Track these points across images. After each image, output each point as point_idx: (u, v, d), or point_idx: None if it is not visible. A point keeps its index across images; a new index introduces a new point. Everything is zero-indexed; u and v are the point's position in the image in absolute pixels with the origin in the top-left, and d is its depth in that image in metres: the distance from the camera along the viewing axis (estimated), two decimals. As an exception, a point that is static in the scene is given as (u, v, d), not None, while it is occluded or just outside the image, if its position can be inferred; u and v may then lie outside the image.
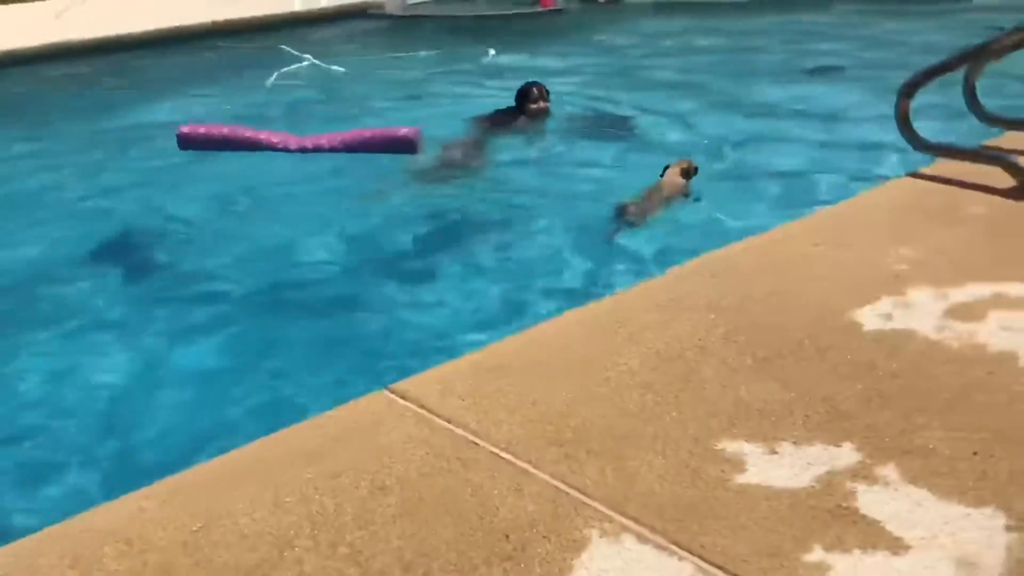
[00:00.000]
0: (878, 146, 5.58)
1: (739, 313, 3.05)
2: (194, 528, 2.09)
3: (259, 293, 4.37)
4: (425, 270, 4.63)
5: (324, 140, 5.68)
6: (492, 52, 8.49)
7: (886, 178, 4.55)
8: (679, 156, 5.64)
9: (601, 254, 4.68)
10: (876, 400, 2.55)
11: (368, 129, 5.79)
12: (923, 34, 8.70)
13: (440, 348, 3.67)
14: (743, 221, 4.75)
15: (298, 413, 2.82)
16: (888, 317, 3.00)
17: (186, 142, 5.75)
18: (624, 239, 4.81)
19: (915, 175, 4.22)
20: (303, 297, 4.37)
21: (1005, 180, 3.98)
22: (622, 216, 5.13)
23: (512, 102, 6.81)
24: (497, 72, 8.14)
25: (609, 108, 7.01)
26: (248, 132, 5.70)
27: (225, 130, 5.77)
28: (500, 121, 6.75)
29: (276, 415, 3.19)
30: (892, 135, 5.35)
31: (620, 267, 4.55)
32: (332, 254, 4.75)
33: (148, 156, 6.33)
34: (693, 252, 3.61)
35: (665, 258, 4.30)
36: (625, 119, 6.71)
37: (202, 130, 5.76)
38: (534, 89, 6.81)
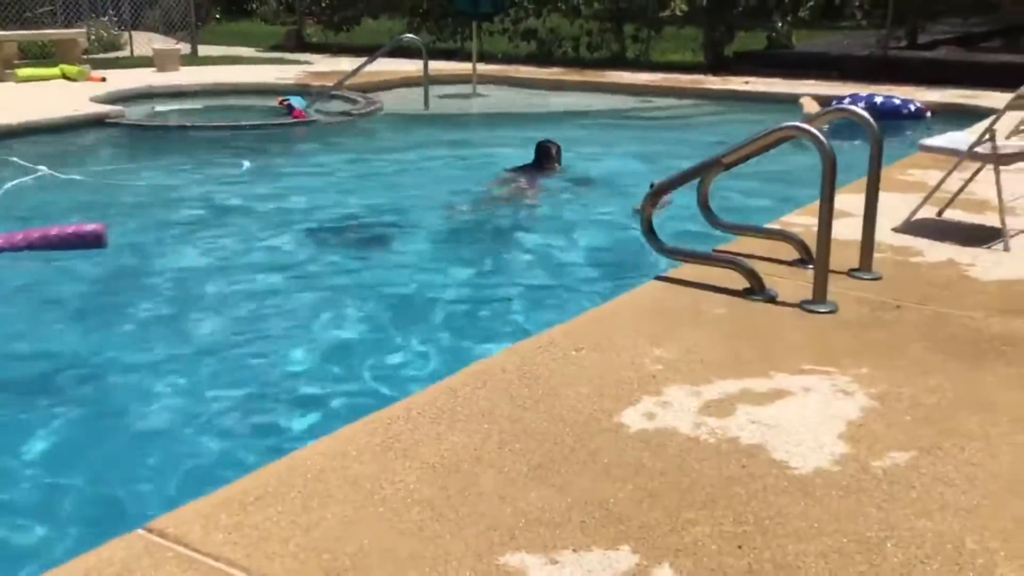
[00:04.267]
0: (626, 252, 5.90)
1: (511, 422, 3.07)
2: None
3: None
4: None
5: (17, 237, 5.68)
6: (246, 163, 8.32)
7: (635, 283, 4.81)
8: None
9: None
10: (647, 500, 2.62)
11: (55, 226, 5.83)
12: (662, 143, 9.36)
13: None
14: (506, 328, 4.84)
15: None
16: (650, 416, 3.12)
17: None
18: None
19: (661, 279, 4.48)
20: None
21: (739, 281, 4.31)
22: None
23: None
24: (252, 181, 7.98)
25: (360, 214, 7.02)
26: None
27: None
28: (526, 172, 7.91)
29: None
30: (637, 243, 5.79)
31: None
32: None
33: None
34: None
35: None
36: (371, 225, 6.74)
37: None
38: (552, 149, 8.02)
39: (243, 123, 10.11)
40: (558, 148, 8.12)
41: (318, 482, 2.69)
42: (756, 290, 4.23)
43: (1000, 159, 4.92)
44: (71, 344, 4.63)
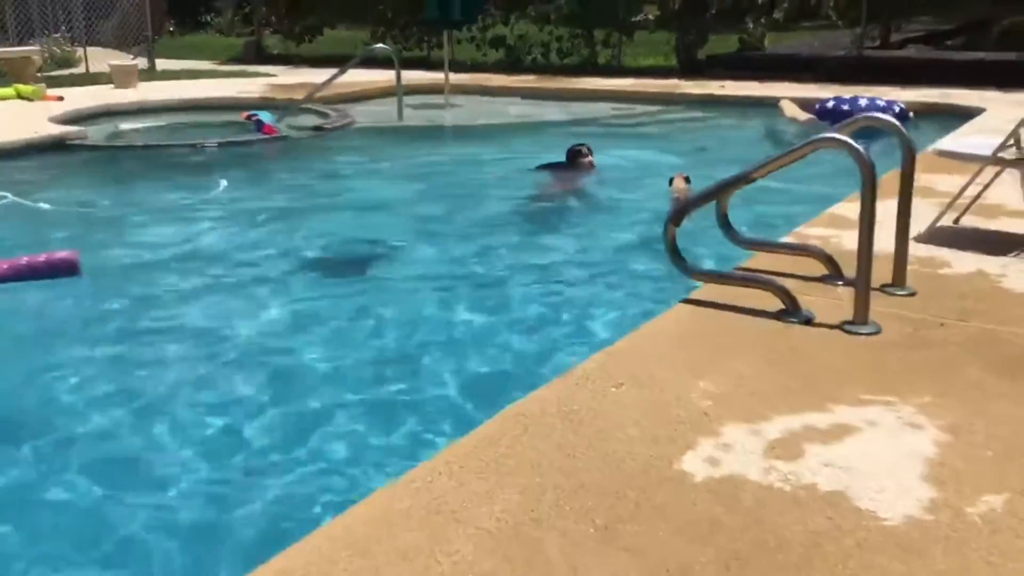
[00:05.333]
0: (642, 276, 5.64)
1: (564, 474, 2.80)
2: None
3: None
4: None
5: None
6: (223, 183, 7.97)
7: (654, 301, 4.59)
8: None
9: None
10: (734, 564, 2.37)
11: (26, 256, 5.53)
12: (647, 150, 9.13)
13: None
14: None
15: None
16: (713, 462, 2.87)
17: None
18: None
19: (688, 302, 4.24)
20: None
21: (769, 301, 4.08)
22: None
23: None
24: (230, 201, 7.63)
25: (350, 233, 6.72)
26: None
27: None
28: (562, 168, 8.29)
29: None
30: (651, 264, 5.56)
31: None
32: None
33: None
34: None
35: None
36: (365, 245, 6.45)
37: None
38: (584, 149, 8.34)
39: (215, 141, 9.73)
40: (589, 148, 8.39)
41: (364, 558, 2.41)
42: (791, 311, 4.01)
43: (1026, 164, 4.75)
44: (50, 379, 4.29)
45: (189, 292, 5.53)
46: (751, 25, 14.01)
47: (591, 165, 8.34)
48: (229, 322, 5.04)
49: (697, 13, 14.00)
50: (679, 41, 14.50)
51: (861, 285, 3.86)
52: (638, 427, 3.09)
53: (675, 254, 4.23)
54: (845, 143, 3.74)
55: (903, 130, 4.19)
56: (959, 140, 5.30)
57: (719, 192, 4.13)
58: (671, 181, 7.78)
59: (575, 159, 8.35)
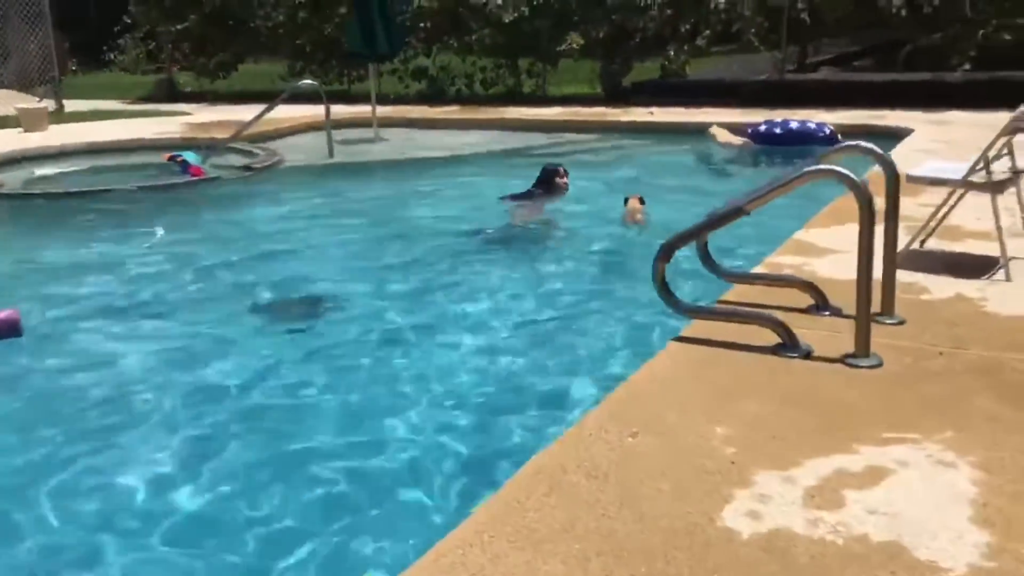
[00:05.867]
0: (599, 310, 5.53)
1: (603, 537, 2.63)
2: None
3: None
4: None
5: None
6: (160, 231, 7.59)
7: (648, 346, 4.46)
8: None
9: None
10: (811, 631, 2.23)
11: None
12: (582, 180, 9.03)
13: None
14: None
15: None
16: (755, 516, 2.73)
17: None
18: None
19: (681, 339, 4.13)
20: None
21: (761, 336, 3.99)
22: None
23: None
24: (168, 248, 7.26)
25: (295, 277, 6.46)
26: None
27: None
28: (540, 193, 8.16)
29: None
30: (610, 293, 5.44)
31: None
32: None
33: None
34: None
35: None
36: (310, 288, 6.20)
37: None
38: (561, 170, 8.24)
39: (141, 184, 9.31)
40: (565, 169, 8.32)
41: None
42: (790, 346, 3.92)
43: (996, 186, 4.78)
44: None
45: (122, 345, 5.24)
46: (672, 53, 14.13)
47: (566, 187, 8.23)
48: (166, 374, 4.79)
49: (621, 42, 14.09)
50: (604, 69, 14.57)
51: (861, 317, 3.79)
52: (667, 480, 2.94)
53: (665, 290, 4.12)
54: (842, 175, 3.68)
55: (886, 157, 4.16)
56: (923, 165, 5.32)
57: (711, 226, 4.04)
58: (626, 201, 7.80)
59: (552, 179, 8.21)
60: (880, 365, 3.78)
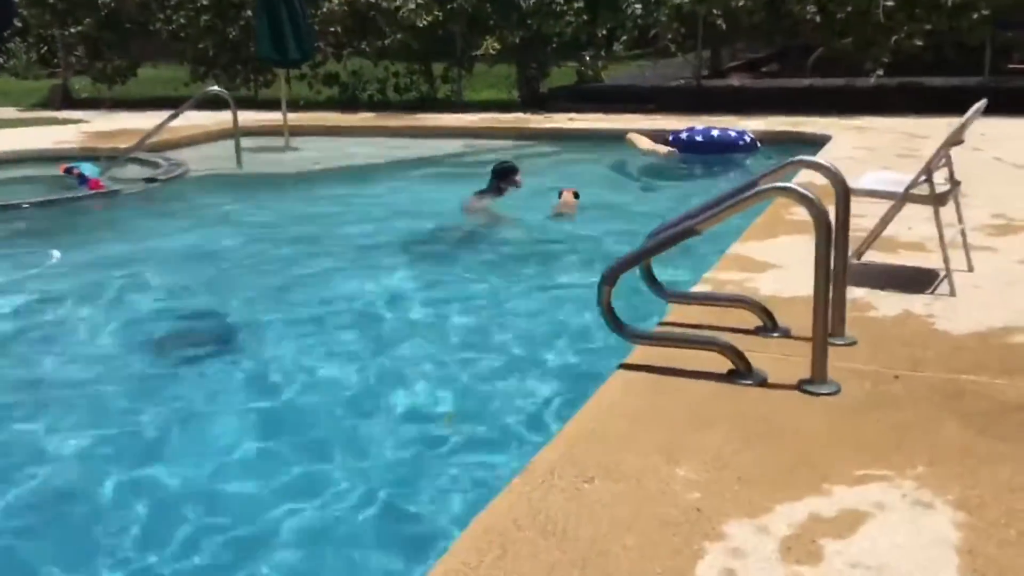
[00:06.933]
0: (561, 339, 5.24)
1: (570, 609, 2.35)
2: None
3: None
4: None
5: None
6: (56, 253, 7.02)
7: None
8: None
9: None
10: None
11: None
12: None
13: None
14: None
15: None
16: (731, 573, 2.48)
17: None
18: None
19: (628, 367, 3.87)
20: None
21: (713, 361, 3.77)
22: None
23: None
24: (66, 274, 6.71)
25: (201, 302, 6.03)
26: None
27: None
28: (491, 193, 7.90)
29: None
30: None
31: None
32: None
33: None
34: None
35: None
36: (218, 316, 5.78)
37: None
38: (515, 168, 8.06)
39: (35, 200, 8.69)
40: (517, 168, 8.14)
41: None
42: (743, 372, 3.71)
43: (938, 199, 4.66)
44: None
45: (19, 378, 4.80)
46: (589, 58, 13.98)
47: (519, 184, 8.01)
48: (53, 415, 4.35)
49: (537, 47, 13.88)
50: (520, 75, 14.34)
51: (818, 341, 3.59)
52: (632, 534, 2.68)
53: (611, 315, 3.86)
54: (798, 193, 3.48)
55: (836, 172, 3.98)
56: (867, 178, 5.18)
57: (660, 247, 3.79)
58: (560, 194, 7.58)
59: (507, 177, 7.96)
60: (839, 392, 3.59)
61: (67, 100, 16.45)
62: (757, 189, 3.56)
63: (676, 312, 4.48)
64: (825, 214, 3.48)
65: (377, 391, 4.58)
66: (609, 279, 3.80)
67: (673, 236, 3.68)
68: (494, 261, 6.77)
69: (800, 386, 3.61)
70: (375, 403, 4.46)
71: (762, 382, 3.67)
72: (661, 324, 4.39)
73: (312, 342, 5.25)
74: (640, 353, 3.96)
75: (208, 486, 3.72)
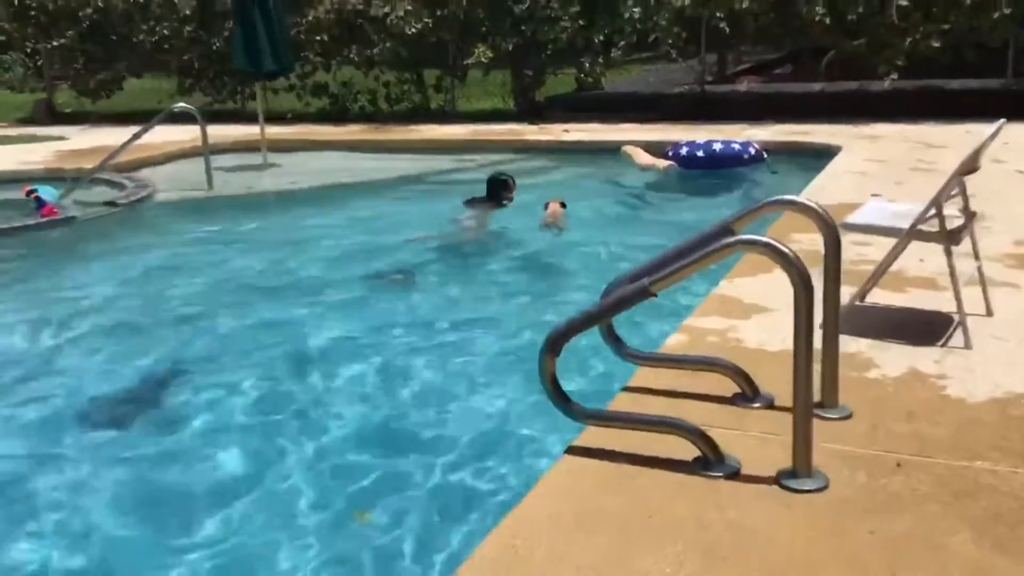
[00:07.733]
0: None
1: None
2: None
3: None
4: None
5: None
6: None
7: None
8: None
9: None
10: None
11: None
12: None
13: None
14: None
15: None
16: None
17: None
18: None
19: (576, 451, 3.25)
20: None
21: (675, 445, 3.14)
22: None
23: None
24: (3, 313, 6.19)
25: (141, 341, 5.48)
26: None
27: None
28: (484, 205, 7.61)
29: None
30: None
31: None
32: None
33: None
34: None
35: None
36: (171, 361, 5.21)
37: None
38: (510, 181, 7.71)
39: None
40: (513, 180, 7.81)
41: None
42: (712, 462, 3.07)
43: (950, 237, 4.01)
44: None
45: None
46: (587, 64, 13.34)
47: (511, 200, 7.66)
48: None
49: (531, 54, 13.25)
50: (515, 83, 13.71)
51: (800, 424, 2.95)
52: None
53: (556, 390, 3.23)
54: (773, 248, 2.85)
55: (824, 214, 3.34)
56: (864, 211, 4.53)
57: (609, 311, 3.17)
58: (546, 206, 7.35)
59: (501, 191, 7.63)
60: (826, 487, 2.95)
61: (52, 115, 15.97)
62: (723, 242, 2.93)
63: (643, 375, 3.85)
64: (806, 275, 2.85)
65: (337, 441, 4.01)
66: (553, 347, 3.18)
67: (624, 299, 3.05)
68: (485, 279, 6.44)
69: (779, 479, 2.98)
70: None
71: (734, 474, 3.04)
72: (625, 389, 3.76)
73: (274, 381, 4.85)
74: (593, 433, 3.34)
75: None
